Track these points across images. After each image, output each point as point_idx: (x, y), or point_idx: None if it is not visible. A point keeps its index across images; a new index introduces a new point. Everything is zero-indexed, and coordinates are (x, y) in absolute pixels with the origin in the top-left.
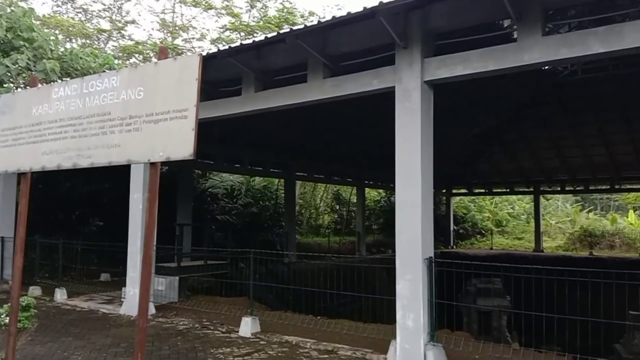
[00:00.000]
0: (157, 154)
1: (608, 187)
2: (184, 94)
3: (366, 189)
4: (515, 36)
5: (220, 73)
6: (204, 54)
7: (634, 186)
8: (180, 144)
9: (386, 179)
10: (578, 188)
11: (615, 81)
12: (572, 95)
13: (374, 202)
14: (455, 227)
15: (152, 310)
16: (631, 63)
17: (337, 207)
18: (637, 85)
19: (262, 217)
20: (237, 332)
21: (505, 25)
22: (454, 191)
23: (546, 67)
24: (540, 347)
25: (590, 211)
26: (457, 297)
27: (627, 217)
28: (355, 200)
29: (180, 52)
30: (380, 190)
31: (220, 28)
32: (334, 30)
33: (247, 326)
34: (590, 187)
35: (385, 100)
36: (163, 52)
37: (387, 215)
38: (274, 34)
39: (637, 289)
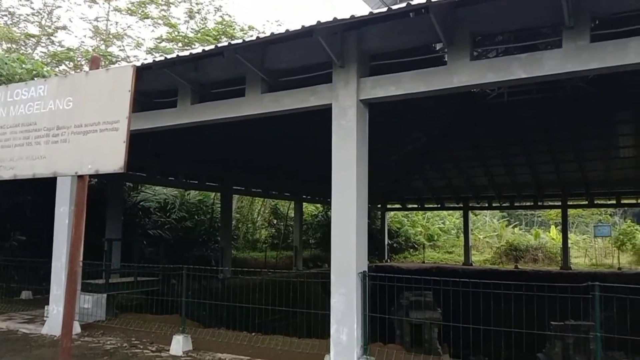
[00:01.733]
0: (85, 166)
1: (532, 203)
2: (116, 106)
3: (304, 203)
4: (446, 59)
5: (155, 84)
6: (139, 64)
7: (555, 203)
8: (110, 156)
9: (324, 194)
10: (504, 204)
11: (538, 104)
12: (499, 117)
13: (311, 217)
14: (389, 241)
15: (77, 329)
16: (552, 88)
17: (275, 221)
18: (558, 109)
19: (196, 232)
20: (168, 351)
21: (437, 49)
22: (389, 206)
23: (475, 90)
24: (469, 358)
25: (515, 226)
26: (391, 310)
27: (549, 232)
28: (293, 215)
29: (114, 60)
30: (318, 205)
31: (157, 38)
32: (272, 46)
33: (179, 344)
34: (515, 204)
35: (323, 116)
36: (95, 61)
37: (324, 229)
38: (212, 46)
39: (558, 300)
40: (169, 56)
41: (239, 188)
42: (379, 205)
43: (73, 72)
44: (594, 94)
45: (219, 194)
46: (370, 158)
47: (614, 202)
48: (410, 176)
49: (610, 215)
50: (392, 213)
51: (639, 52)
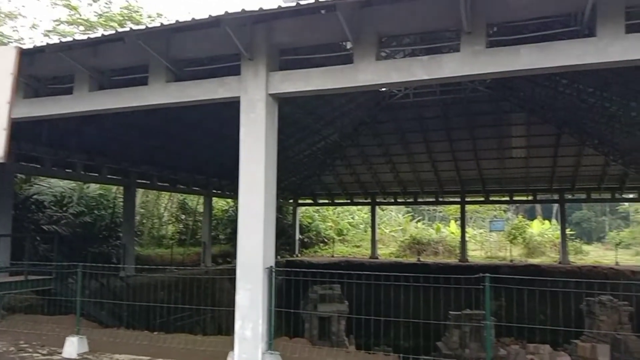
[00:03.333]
0: None
1: (433, 199)
2: None
3: (214, 198)
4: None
5: (50, 69)
6: (31, 46)
7: (454, 199)
8: None
9: (235, 189)
10: (409, 200)
11: (440, 105)
12: (405, 116)
13: (222, 212)
14: (300, 236)
15: None
16: (454, 90)
17: (183, 216)
18: (458, 110)
19: (96, 228)
20: (61, 353)
21: (348, 47)
22: (301, 201)
23: (383, 89)
24: (374, 348)
25: (419, 221)
26: (300, 304)
27: (449, 226)
28: (202, 210)
29: (5, 41)
30: (229, 200)
31: (55, 20)
32: (178, 34)
33: (73, 346)
34: (419, 200)
35: (232, 109)
36: None
37: (234, 224)
38: (113, 32)
39: (455, 291)
40: (64, 40)
41: (143, 182)
42: (291, 200)
43: None
44: (491, 97)
45: (121, 188)
46: (283, 153)
47: (507, 198)
48: (322, 172)
49: (504, 211)
50: (303, 208)
51: (529, 59)
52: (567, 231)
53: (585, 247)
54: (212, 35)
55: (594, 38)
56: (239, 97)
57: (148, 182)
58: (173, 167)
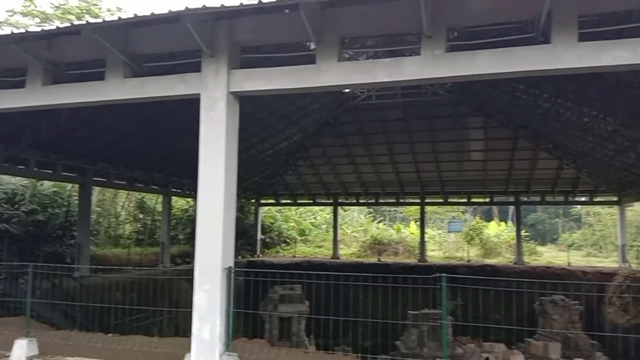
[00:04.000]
0: None
1: (394, 200)
2: None
3: (174, 197)
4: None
5: (0, 61)
6: None
7: (414, 200)
8: None
9: (194, 188)
10: (370, 201)
11: (402, 108)
12: (367, 118)
13: (181, 211)
14: (262, 236)
15: None
16: (415, 93)
17: (141, 216)
18: (419, 113)
19: (50, 226)
20: (9, 357)
21: (312, 48)
22: (263, 201)
23: (346, 90)
24: (334, 348)
25: (380, 222)
26: (261, 304)
27: (409, 227)
28: (161, 209)
29: None
30: (189, 199)
31: (8, 11)
32: (137, 29)
33: (22, 349)
34: (380, 200)
35: (194, 106)
36: None
37: (194, 224)
38: (68, 24)
39: (413, 290)
40: (16, 31)
41: (100, 179)
42: (253, 200)
43: None
44: (451, 100)
45: (77, 186)
46: (245, 152)
47: (465, 200)
48: (285, 172)
49: (462, 212)
50: (265, 208)
51: (486, 64)
52: (522, 232)
53: (540, 248)
54: (172, 31)
55: (549, 45)
56: (199, 95)
57: (105, 179)
58: (131, 165)
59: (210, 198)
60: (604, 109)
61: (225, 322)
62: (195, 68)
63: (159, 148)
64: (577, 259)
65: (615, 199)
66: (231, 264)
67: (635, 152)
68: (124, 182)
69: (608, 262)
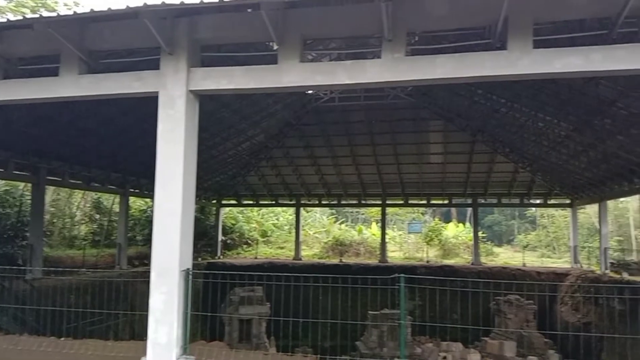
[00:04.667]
0: None
1: (356, 202)
2: None
3: (131, 197)
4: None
5: None
6: None
7: (376, 202)
8: None
9: (153, 188)
10: (333, 202)
11: (365, 110)
12: (330, 119)
13: (139, 212)
14: (223, 237)
15: None
16: (377, 96)
17: (97, 216)
18: (381, 116)
19: (0, 227)
20: None
21: (275, 48)
22: (224, 202)
23: (309, 92)
24: (295, 349)
25: (342, 223)
26: (221, 307)
27: (371, 228)
28: (118, 210)
29: None
30: (148, 199)
31: None
32: (94, 24)
33: None
34: (342, 202)
35: (153, 105)
36: None
37: (152, 225)
38: (20, 17)
39: (376, 291)
40: None
41: (54, 179)
42: (214, 201)
43: None
44: (412, 104)
45: (29, 185)
46: (207, 152)
47: (425, 202)
48: (247, 172)
49: (422, 213)
50: (227, 209)
51: (445, 69)
52: (480, 234)
53: (496, 249)
54: (130, 27)
55: (505, 51)
56: (157, 93)
57: (59, 179)
58: (87, 164)
59: (168, 199)
60: (558, 115)
61: (182, 324)
62: (154, 66)
63: (116, 147)
64: (532, 260)
65: (568, 201)
66: (189, 265)
67: (587, 156)
68: (80, 182)
69: (561, 262)
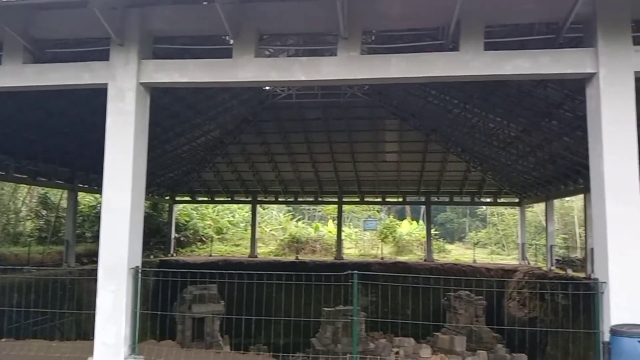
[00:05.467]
0: None
1: (313, 199)
2: None
3: (81, 193)
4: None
5: None
6: None
7: (332, 199)
8: None
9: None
10: (289, 199)
11: (322, 108)
12: (287, 116)
13: (88, 208)
14: (176, 235)
15: None
16: (334, 94)
17: (44, 212)
18: (338, 114)
19: None
20: None
21: (230, 42)
22: (178, 198)
23: (267, 88)
24: (250, 347)
25: (299, 220)
26: (173, 305)
27: (327, 226)
28: (66, 205)
29: None
30: (98, 195)
31: None
32: (41, 12)
33: None
34: (299, 199)
35: (103, 97)
36: None
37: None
38: None
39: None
40: None
41: None
42: (167, 197)
43: None
44: (368, 103)
45: None
46: (160, 147)
47: (380, 200)
48: (202, 168)
49: (378, 211)
50: (181, 205)
51: (399, 68)
52: (433, 231)
53: (448, 246)
54: (79, 16)
55: (457, 52)
56: (106, 85)
57: (3, 172)
58: (33, 157)
59: (117, 195)
60: (508, 116)
61: (131, 324)
62: (105, 56)
63: (65, 140)
64: (482, 257)
65: (516, 200)
66: (138, 263)
67: (534, 157)
68: (25, 176)
69: (510, 259)
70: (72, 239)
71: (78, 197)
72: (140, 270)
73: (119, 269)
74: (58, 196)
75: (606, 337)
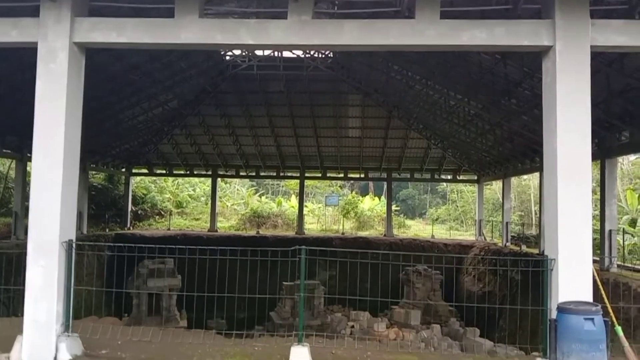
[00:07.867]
0: None
1: (275, 174)
2: None
3: (29, 162)
4: None
5: None
6: None
7: (294, 174)
8: None
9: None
10: (251, 174)
11: (284, 81)
12: (248, 88)
13: None
14: (133, 208)
15: None
16: (297, 67)
17: None
18: (301, 87)
19: None
20: None
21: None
22: (135, 170)
23: (228, 58)
24: (208, 322)
25: (262, 195)
26: (128, 279)
27: (290, 201)
28: (14, 176)
29: None
30: None
31: None
32: None
33: None
34: (261, 173)
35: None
36: None
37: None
38: None
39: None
40: None
41: None
42: (123, 169)
43: None
44: (330, 77)
45: None
46: (114, 117)
47: (342, 175)
48: (159, 140)
49: (340, 187)
50: (138, 178)
51: (351, 35)
52: (394, 207)
53: (408, 222)
54: None
55: (412, 20)
56: (36, 44)
57: None
58: None
59: (47, 164)
60: (468, 93)
61: (65, 300)
62: (36, 13)
63: (11, 107)
64: (441, 232)
65: (475, 177)
66: (72, 236)
67: (493, 135)
68: None
69: (467, 235)
70: (21, 210)
71: (27, 167)
72: (74, 245)
73: (50, 244)
74: (6, 166)
75: (554, 314)
